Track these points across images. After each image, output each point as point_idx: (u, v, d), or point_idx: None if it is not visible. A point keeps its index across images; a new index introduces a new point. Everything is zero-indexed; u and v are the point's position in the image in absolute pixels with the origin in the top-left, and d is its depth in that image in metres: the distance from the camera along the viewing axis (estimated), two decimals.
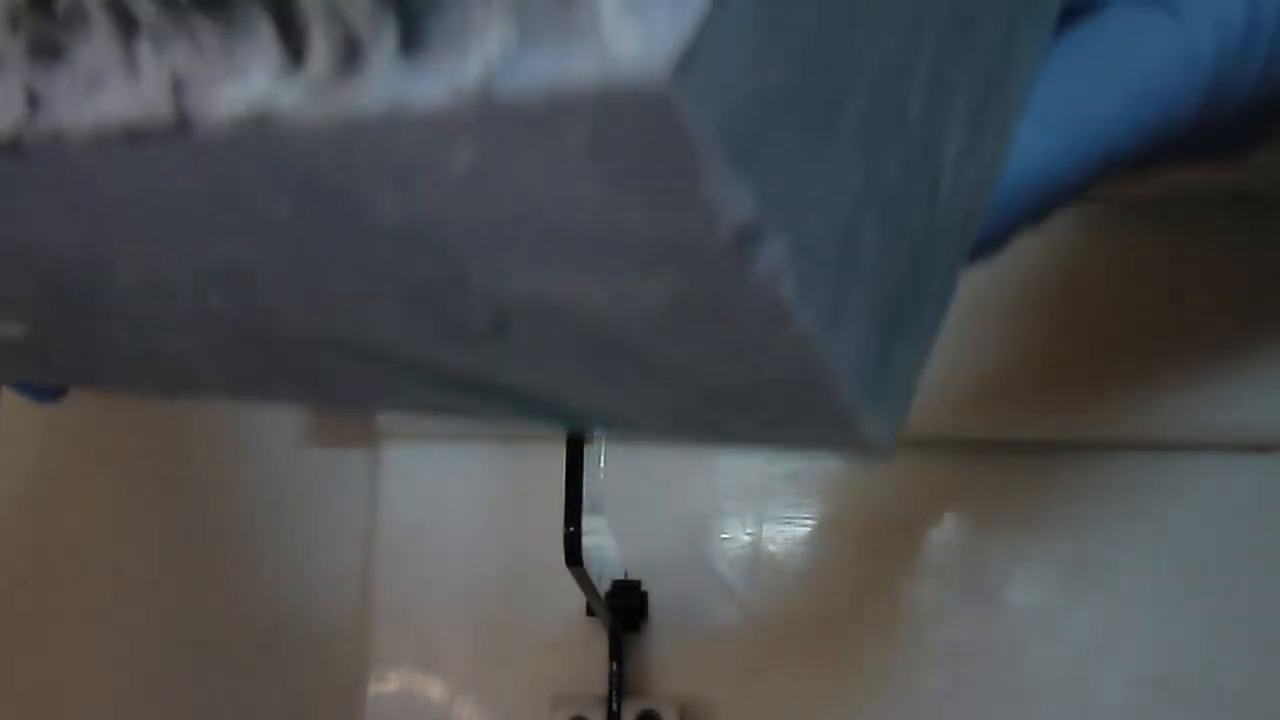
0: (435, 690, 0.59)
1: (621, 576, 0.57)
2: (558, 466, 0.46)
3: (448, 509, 0.61)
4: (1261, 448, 0.59)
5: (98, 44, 0.20)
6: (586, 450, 0.47)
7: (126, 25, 0.20)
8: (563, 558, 0.46)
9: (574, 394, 0.25)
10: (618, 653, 0.57)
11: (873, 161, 0.22)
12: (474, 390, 0.26)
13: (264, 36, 0.19)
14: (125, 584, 0.62)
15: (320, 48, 0.19)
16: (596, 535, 0.51)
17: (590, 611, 0.57)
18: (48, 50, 0.21)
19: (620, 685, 0.56)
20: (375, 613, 0.60)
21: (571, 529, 0.46)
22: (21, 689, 0.61)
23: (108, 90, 0.20)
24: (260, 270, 0.23)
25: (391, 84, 0.18)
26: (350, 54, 0.18)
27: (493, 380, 0.25)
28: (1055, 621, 0.59)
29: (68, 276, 0.24)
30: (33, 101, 0.21)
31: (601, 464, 0.53)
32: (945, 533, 0.59)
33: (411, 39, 0.18)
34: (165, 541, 0.63)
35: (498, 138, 0.18)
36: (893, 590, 0.59)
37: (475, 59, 0.17)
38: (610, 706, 0.56)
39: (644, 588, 0.58)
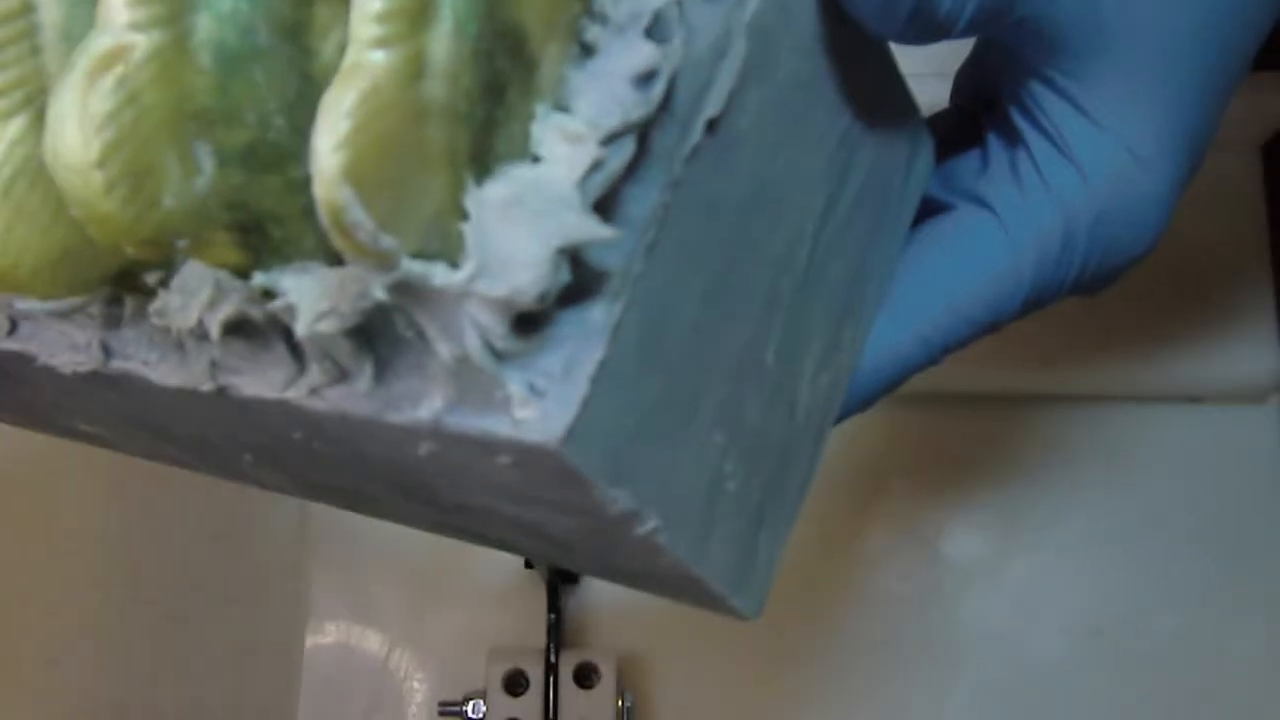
0: (372, 642, 0.59)
1: None
2: None
3: None
4: (1193, 399, 0.60)
5: (157, 334, 0.29)
6: None
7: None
8: None
9: (517, 545, 0.34)
10: (556, 605, 0.57)
11: (732, 421, 0.29)
12: (449, 526, 0.34)
13: (281, 354, 0.27)
14: (59, 535, 0.62)
15: (316, 369, 0.27)
16: None
17: (529, 564, 0.57)
18: (116, 321, 0.29)
19: (558, 638, 0.56)
20: (312, 565, 0.60)
21: None
22: None
23: (165, 365, 0.29)
24: (281, 456, 0.32)
25: (369, 401, 0.27)
26: (340, 376, 0.27)
27: (461, 527, 0.33)
28: (990, 572, 0.59)
29: (144, 422, 0.33)
30: (106, 351, 0.30)
31: None
32: (880, 485, 0.60)
33: (382, 375, 0.26)
34: (101, 492, 0.62)
35: (447, 444, 0.26)
36: (829, 542, 0.59)
37: (425, 408, 0.26)
38: (548, 659, 0.56)
39: None
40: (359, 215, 0.22)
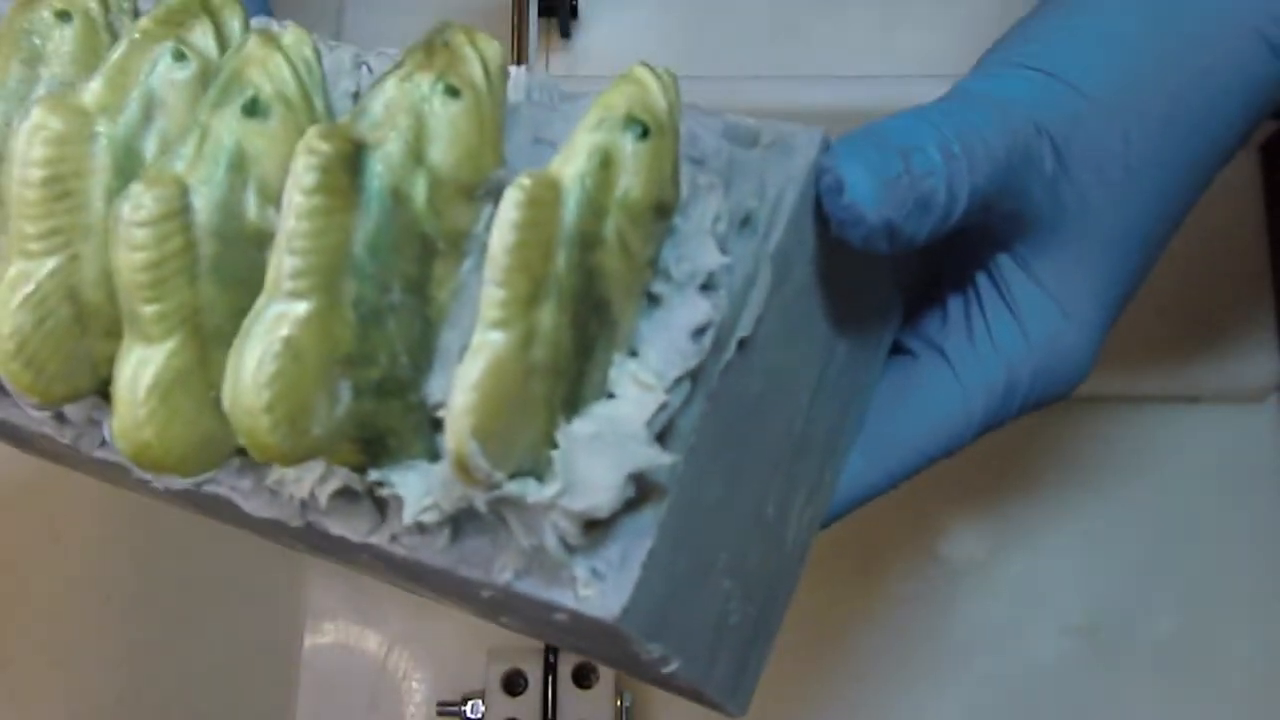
0: (371, 642, 0.59)
1: None
2: None
3: None
4: (1192, 399, 0.60)
5: (255, 477, 0.35)
6: None
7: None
8: None
9: (549, 639, 0.42)
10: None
11: (737, 568, 0.35)
12: (488, 617, 0.38)
13: (366, 506, 0.33)
14: (59, 535, 0.62)
15: (398, 522, 0.33)
16: None
17: None
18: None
19: None
20: (311, 565, 0.60)
21: None
22: None
23: (258, 498, 0.35)
24: (342, 557, 0.37)
25: (444, 555, 0.33)
26: (419, 530, 0.33)
27: (500, 621, 0.37)
28: (988, 572, 0.59)
29: (207, 510, 0.39)
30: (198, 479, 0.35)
31: None
32: None
33: (456, 535, 0.32)
34: (99, 493, 0.62)
35: (509, 596, 0.32)
36: (829, 544, 0.59)
37: (498, 573, 0.32)
38: (547, 659, 0.56)
39: None
40: (480, 462, 0.28)
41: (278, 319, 0.29)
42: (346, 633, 0.59)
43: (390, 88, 0.31)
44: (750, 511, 0.36)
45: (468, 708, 0.56)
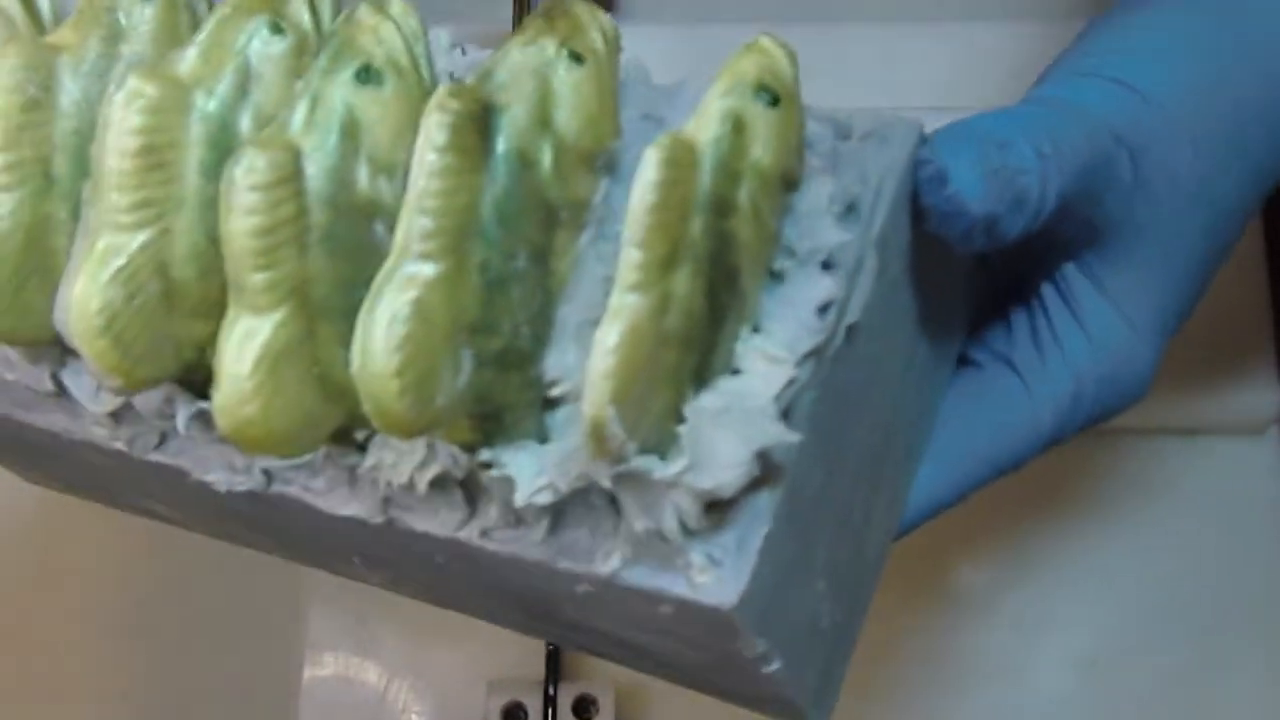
0: (370, 675, 0.59)
1: None
2: None
3: None
4: (1191, 432, 0.60)
5: (333, 471, 0.34)
6: None
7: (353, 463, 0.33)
8: None
9: (604, 653, 0.40)
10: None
11: (831, 569, 0.35)
12: (539, 631, 0.40)
13: (455, 498, 0.32)
14: (58, 568, 0.62)
15: (494, 514, 0.32)
16: None
17: None
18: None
19: (557, 670, 0.56)
20: (310, 596, 0.59)
21: None
22: None
23: (335, 495, 0.34)
24: (404, 568, 0.37)
25: (541, 548, 0.32)
26: (515, 522, 0.32)
27: (555, 634, 0.39)
28: (989, 603, 0.59)
29: (260, 526, 0.39)
30: (268, 476, 0.35)
31: None
32: None
33: (557, 528, 0.32)
34: (98, 525, 0.62)
35: (608, 589, 0.31)
36: None
37: (602, 563, 0.31)
38: (546, 691, 0.56)
39: None
40: (616, 429, 0.28)
41: (408, 280, 0.28)
42: (346, 664, 0.59)
43: (514, 53, 0.31)
44: (842, 510, 0.35)
45: None
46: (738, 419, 0.29)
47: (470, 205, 0.29)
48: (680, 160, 0.28)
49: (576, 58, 0.31)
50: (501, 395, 0.30)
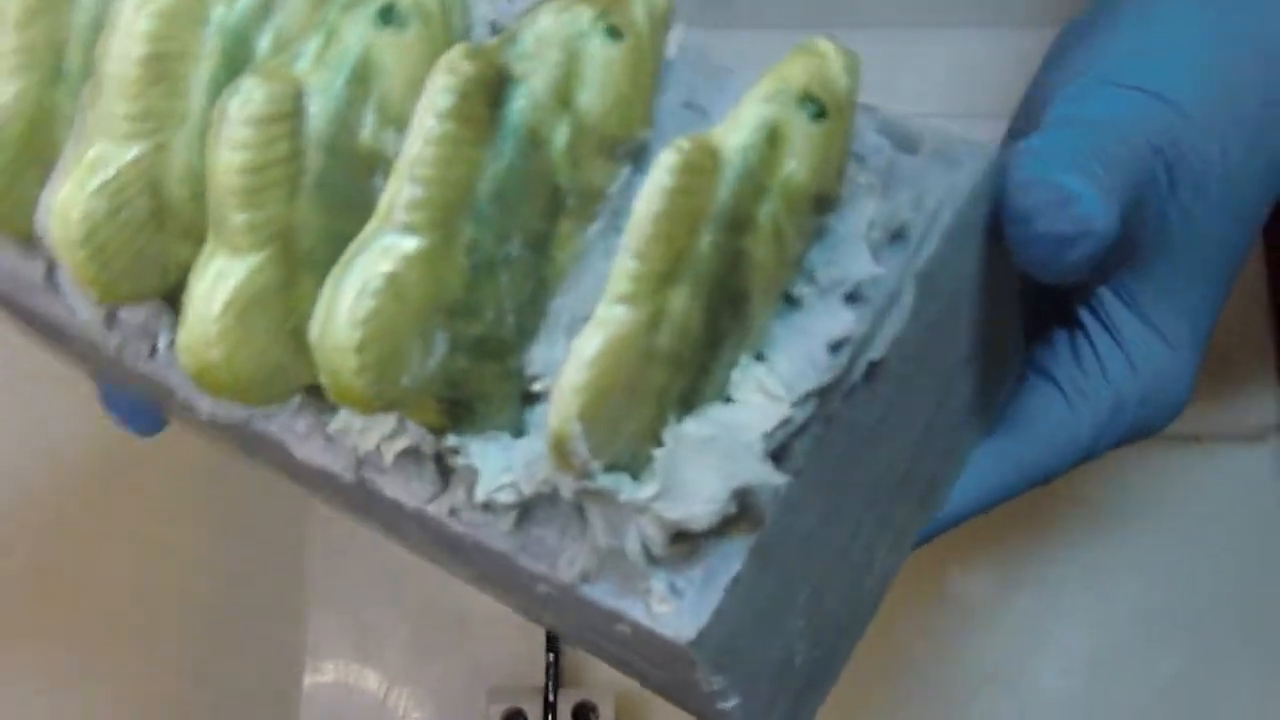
0: (371, 681, 0.59)
1: None
2: None
3: None
4: (1193, 439, 0.60)
5: (313, 419, 0.32)
6: None
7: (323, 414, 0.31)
8: None
9: (586, 645, 0.37)
10: (554, 645, 0.56)
11: (813, 608, 0.33)
12: (527, 612, 0.37)
13: (428, 471, 0.30)
14: (54, 577, 0.61)
15: (462, 494, 0.30)
16: None
17: None
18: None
19: (557, 677, 0.56)
20: (311, 604, 0.59)
21: None
22: None
23: (311, 444, 0.32)
24: (387, 525, 0.34)
25: (507, 539, 0.30)
26: (485, 508, 0.30)
27: (539, 618, 0.36)
28: (991, 611, 0.59)
29: (247, 449, 0.36)
30: (249, 414, 0.33)
31: None
32: None
33: (523, 519, 0.30)
34: (96, 534, 0.62)
35: (568, 596, 0.30)
36: None
37: (564, 570, 0.29)
38: (547, 698, 0.56)
39: None
40: (580, 446, 0.26)
41: (384, 252, 0.26)
42: (346, 671, 0.59)
43: (545, 19, 0.28)
44: (838, 550, 0.33)
45: None
46: (720, 452, 0.27)
47: (466, 179, 0.27)
48: (698, 167, 0.26)
49: (614, 33, 0.28)
50: (476, 384, 0.28)
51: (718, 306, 0.28)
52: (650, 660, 0.31)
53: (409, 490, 0.31)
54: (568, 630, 0.35)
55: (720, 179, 0.27)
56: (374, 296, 0.26)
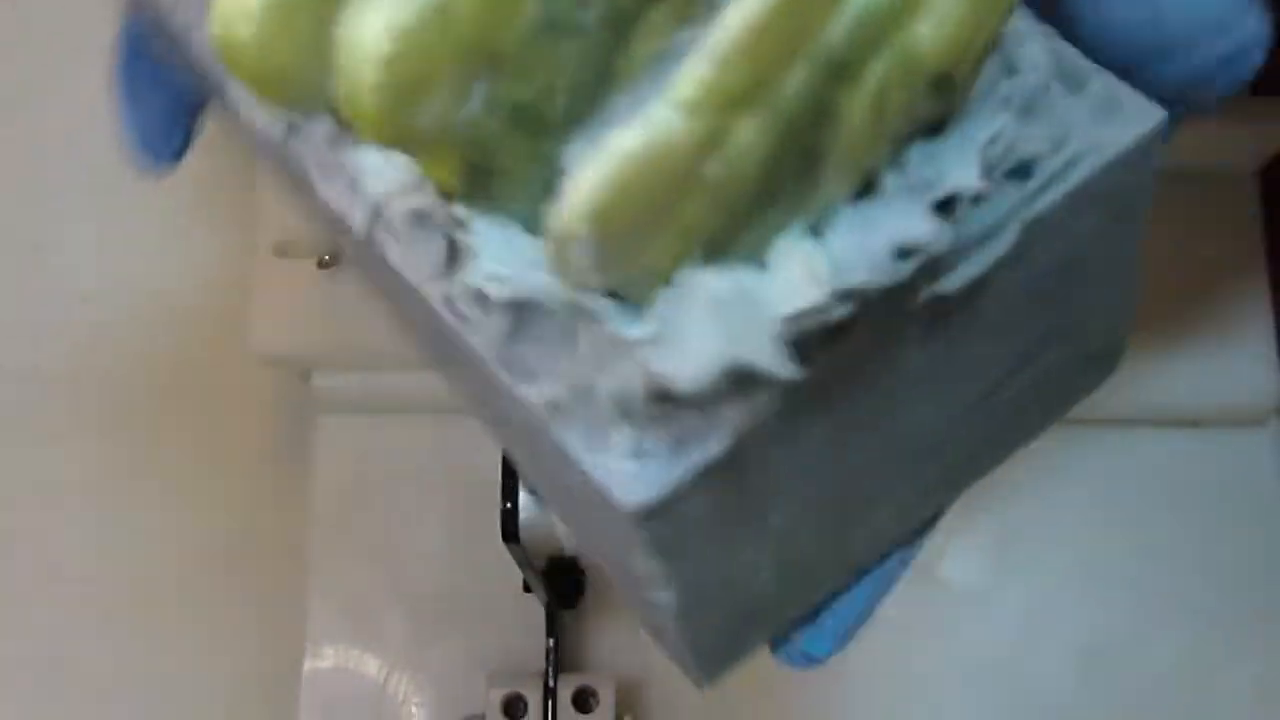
0: (371, 667, 0.59)
1: (559, 553, 0.57)
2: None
3: (383, 484, 0.60)
4: (1192, 423, 0.60)
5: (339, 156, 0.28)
6: None
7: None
8: (499, 534, 0.46)
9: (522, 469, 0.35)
10: (554, 630, 0.57)
11: (786, 548, 0.30)
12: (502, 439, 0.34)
13: (437, 247, 0.27)
14: (54, 559, 0.62)
15: (460, 287, 0.27)
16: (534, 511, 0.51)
17: (527, 588, 0.57)
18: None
19: (557, 662, 0.56)
20: (311, 589, 0.59)
21: (508, 505, 0.45)
22: None
23: (336, 185, 0.28)
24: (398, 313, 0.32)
25: (491, 347, 0.27)
26: (482, 305, 0.27)
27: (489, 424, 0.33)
28: (988, 597, 0.59)
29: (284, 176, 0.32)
30: (289, 129, 0.29)
31: None
32: None
33: (517, 333, 0.26)
34: (94, 515, 0.62)
35: (537, 438, 0.27)
36: None
37: (536, 392, 0.26)
38: (547, 683, 0.56)
39: (581, 564, 0.58)
40: (583, 250, 0.23)
41: None
42: (346, 656, 0.59)
43: None
44: (830, 494, 0.30)
45: None
46: (733, 315, 0.24)
47: None
48: None
49: None
50: (502, 155, 0.25)
51: (787, 155, 0.24)
52: (595, 522, 0.28)
53: (413, 262, 0.28)
54: (529, 473, 0.32)
55: (837, 10, 0.23)
56: (417, 11, 0.23)
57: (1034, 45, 0.27)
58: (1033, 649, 0.59)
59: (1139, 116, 0.27)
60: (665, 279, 0.24)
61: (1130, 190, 0.28)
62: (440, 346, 0.30)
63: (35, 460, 0.63)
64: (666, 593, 0.28)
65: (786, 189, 0.24)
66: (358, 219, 0.28)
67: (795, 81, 0.23)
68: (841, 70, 0.23)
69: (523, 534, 0.46)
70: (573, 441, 0.25)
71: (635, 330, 0.24)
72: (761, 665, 0.58)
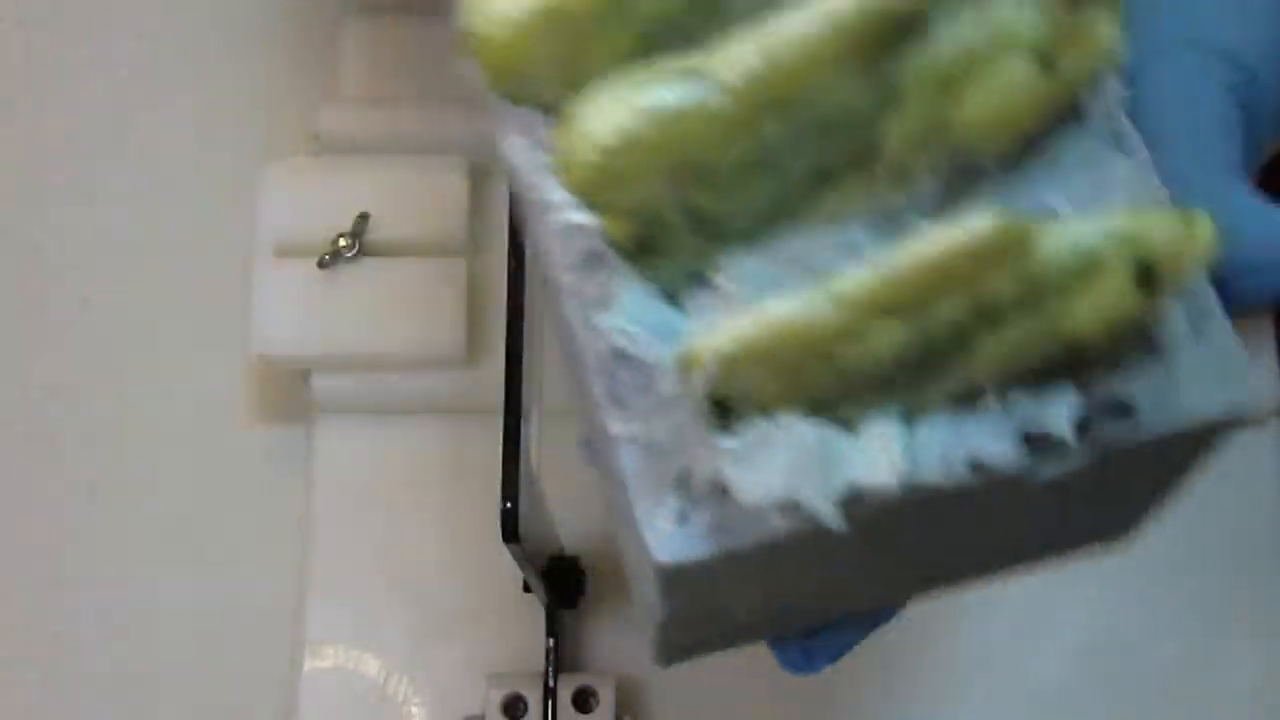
0: (371, 668, 0.59)
1: (559, 553, 0.57)
2: (495, 440, 0.46)
3: (383, 484, 0.60)
4: None
5: None
6: (524, 424, 0.47)
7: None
8: (499, 534, 0.45)
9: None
10: (554, 630, 0.56)
11: (770, 615, 0.35)
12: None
13: (596, 277, 0.29)
14: (61, 564, 0.61)
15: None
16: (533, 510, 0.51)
17: (527, 588, 0.57)
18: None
19: (557, 663, 0.56)
20: (311, 590, 0.59)
21: (508, 504, 0.45)
22: None
23: (530, 159, 0.30)
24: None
25: (600, 372, 0.29)
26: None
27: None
28: (989, 596, 0.59)
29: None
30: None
31: (538, 438, 0.53)
32: None
33: (617, 361, 0.29)
34: (101, 522, 0.62)
35: (612, 464, 0.30)
36: None
37: (619, 425, 0.29)
38: (546, 683, 0.56)
39: (581, 564, 0.58)
40: (704, 379, 0.26)
41: (689, 88, 0.26)
42: (346, 657, 0.59)
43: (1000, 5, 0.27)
44: (835, 577, 0.34)
45: None
46: (809, 465, 0.27)
47: (808, 88, 0.26)
48: (998, 251, 0.25)
49: (1046, 62, 0.27)
50: (669, 242, 0.28)
51: (915, 363, 0.26)
52: (627, 529, 0.32)
53: (578, 287, 0.30)
54: (599, 470, 0.34)
55: (1011, 270, 0.25)
56: (646, 120, 0.26)
57: (1179, 314, 0.29)
58: (1033, 647, 0.59)
59: (1236, 387, 0.29)
60: (767, 413, 0.27)
61: (1205, 441, 0.31)
62: (565, 349, 0.32)
63: (36, 459, 0.63)
64: (662, 615, 0.31)
65: (900, 387, 0.27)
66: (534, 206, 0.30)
67: (947, 310, 0.25)
68: (993, 316, 0.25)
69: (523, 534, 0.46)
70: (634, 483, 0.29)
71: (725, 441, 0.27)
72: (762, 664, 0.58)
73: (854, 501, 0.27)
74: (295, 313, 0.57)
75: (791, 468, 0.27)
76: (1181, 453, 0.31)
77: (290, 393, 0.61)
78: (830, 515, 0.27)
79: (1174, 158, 0.32)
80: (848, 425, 0.27)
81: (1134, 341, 0.28)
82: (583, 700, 0.56)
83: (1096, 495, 0.32)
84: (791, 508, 0.27)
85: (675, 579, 0.29)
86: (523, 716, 0.56)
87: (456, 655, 0.59)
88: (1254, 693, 0.57)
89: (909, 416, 0.28)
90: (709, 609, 0.33)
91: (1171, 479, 0.34)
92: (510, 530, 0.45)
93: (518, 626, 0.58)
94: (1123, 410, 0.29)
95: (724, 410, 0.27)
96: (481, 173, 0.60)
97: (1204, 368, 0.29)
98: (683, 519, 0.29)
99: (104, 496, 0.62)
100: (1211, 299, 0.30)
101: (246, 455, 0.63)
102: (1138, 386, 0.29)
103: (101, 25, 0.68)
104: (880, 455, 0.27)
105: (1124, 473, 0.31)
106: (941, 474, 0.27)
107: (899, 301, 0.25)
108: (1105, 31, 0.27)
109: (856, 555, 0.31)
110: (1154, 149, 0.31)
